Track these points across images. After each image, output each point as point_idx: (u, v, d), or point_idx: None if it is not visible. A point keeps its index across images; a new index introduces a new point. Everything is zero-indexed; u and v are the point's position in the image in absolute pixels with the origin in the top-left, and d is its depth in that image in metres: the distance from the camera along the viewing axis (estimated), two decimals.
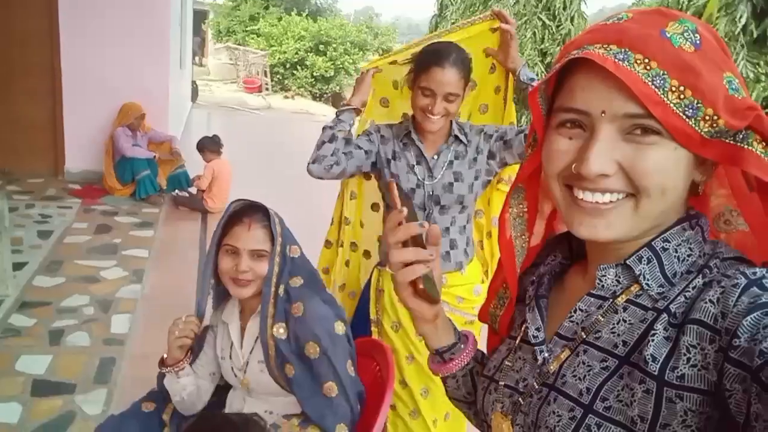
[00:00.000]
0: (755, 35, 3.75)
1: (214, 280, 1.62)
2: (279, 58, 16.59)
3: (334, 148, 1.93)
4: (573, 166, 0.62)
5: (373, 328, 2.08)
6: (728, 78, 0.58)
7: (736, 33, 3.66)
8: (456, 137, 1.91)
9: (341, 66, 16.65)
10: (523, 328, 0.77)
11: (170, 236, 4.91)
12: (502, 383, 0.75)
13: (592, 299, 0.68)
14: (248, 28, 19.58)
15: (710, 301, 0.56)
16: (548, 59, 6.10)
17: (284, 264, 1.55)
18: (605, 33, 0.60)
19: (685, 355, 0.55)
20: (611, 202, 0.62)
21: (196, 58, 15.80)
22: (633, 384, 0.58)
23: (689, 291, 0.60)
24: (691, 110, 0.57)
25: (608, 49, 0.58)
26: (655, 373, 0.56)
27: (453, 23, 7.62)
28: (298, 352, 1.51)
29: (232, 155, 5.86)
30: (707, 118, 0.57)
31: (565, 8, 6.12)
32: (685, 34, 0.57)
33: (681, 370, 0.55)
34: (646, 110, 0.57)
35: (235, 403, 1.68)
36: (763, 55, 3.90)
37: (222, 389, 1.74)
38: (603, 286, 0.67)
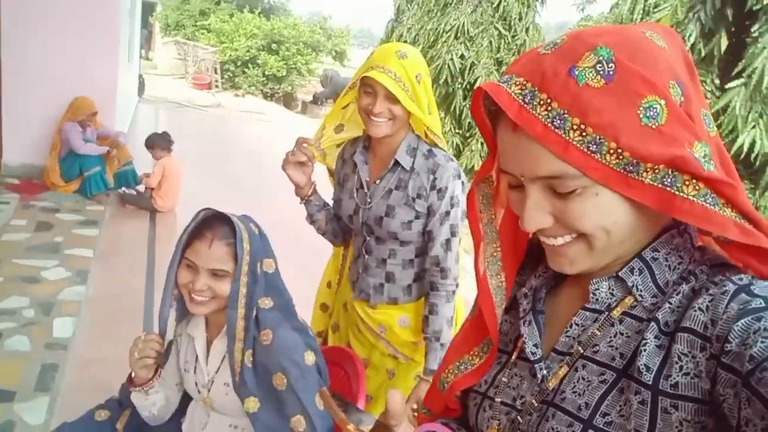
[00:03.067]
0: (703, 54, 3.93)
1: (177, 291, 1.53)
2: (230, 55, 16.26)
3: (330, 231, 1.95)
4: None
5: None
6: (647, 104, 0.56)
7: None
8: (396, 162, 1.71)
9: (293, 66, 16.46)
10: (518, 344, 0.76)
11: (116, 236, 4.72)
12: (498, 400, 0.74)
13: (588, 313, 0.68)
14: (198, 23, 19.13)
15: (699, 308, 0.57)
16: (503, 68, 6.21)
17: (253, 283, 1.44)
18: (529, 66, 0.61)
19: (677, 363, 0.56)
20: (566, 243, 0.64)
21: (143, 52, 15.27)
22: (630, 396, 0.58)
23: (675, 298, 0.61)
24: (594, 145, 0.57)
25: (524, 87, 0.59)
26: (649, 383, 0.57)
27: (409, 28, 7.67)
28: (264, 383, 1.43)
29: (181, 153, 5.69)
30: (611, 151, 0.57)
31: (520, 19, 6.26)
32: (598, 66, 0.56)
33: (674, 378, 0.56)
34: (553, 172, 0.59)
35: (197, 414, 1.61)
36: (710, 74, 4.10)
37: (185, 396, 1.67)
38: (597, 299, 0.68)
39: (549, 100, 0.58)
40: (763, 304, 0.53)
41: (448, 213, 1.70)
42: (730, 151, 4.17)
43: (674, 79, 0.58)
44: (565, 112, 0.57)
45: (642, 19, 4.33)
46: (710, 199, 0.57)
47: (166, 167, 5.21)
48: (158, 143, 5.26)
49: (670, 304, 0.61)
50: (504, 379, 0.75)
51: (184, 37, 18.97)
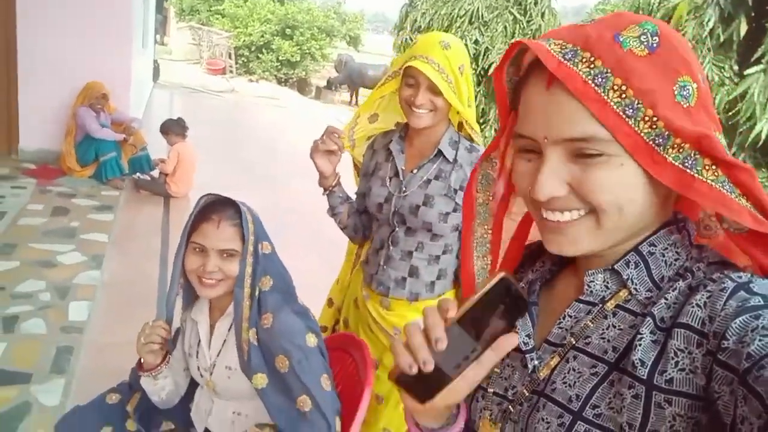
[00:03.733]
0: (722, 39, 3.86)
1: (183, 279, 1.55)
2: (244, 41, 16.25)
3: (351, 225, 1.91)
4: (529, 190, 0.63)
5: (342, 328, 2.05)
6: (682, 83, 0.58)
7: (704, 36, 3.76)
8: (441, 152, 1.70)
9: (308, 51, 16.42)
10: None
11: (131, 221, 4.77)
12: (491, 390, 0.74)
13: (581, 305, 0.68)
14: (212, 8, 19.11)
15: (697, 305, 0.57)
16: None
17: (256, 263, 1.47)
18: (569, 32, 0.61)
19: (673, 359, 0.56)
20: (573, 220, 0.63)
21: (158, 37, 15.32)
22: (622, 390, 0.58)
23: (671, 294, 0.61)
24: (631, 110, 0.57)
25: (564, 46, 0.59)
26: (644, 377, 0.57)
27: (423, 13, 7.60)
28: (269, 363, 1.46)
29: (195, 139, 5.72)
30: (647, 119, 0.57)
31: (536, 4, 6.17)
32: (642, 38, 0.58)
33: (669, 373, 0.56)
34: (584, 134, 0.58)
35: (202, 402, 1.63)
36: (728, 59, 4.02)
37: (193, 381, 1.70)
38: (592, 291, 0.68)
39: (592, 59, 0.58)
40: (762, 302, 0.53)
41: None
42: (748, 138, 4.10)
43: (701, 73, 0.60)
44: (608, 71, 0.57)
45: (660, 3, 4.26)
46: (727, 187, 0.57)
47: (180, 153, 5.25)
48: (173, 129, 5.29)
49: (666, 299, 0.60)
50: (496, 370, 0.75)
51: (199, 22, 18.97)
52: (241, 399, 1.56)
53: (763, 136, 3.95)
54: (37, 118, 5.43)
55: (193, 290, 1.56)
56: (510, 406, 0.71)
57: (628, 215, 0.61)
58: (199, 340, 1.57)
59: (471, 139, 1.76)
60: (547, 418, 0.64)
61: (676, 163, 0.57)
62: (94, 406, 1.67)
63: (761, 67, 3.89)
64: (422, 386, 0.63)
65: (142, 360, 1.57)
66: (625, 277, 0.64)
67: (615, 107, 0.57)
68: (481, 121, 6.09)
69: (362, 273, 1.94)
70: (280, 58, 16.03)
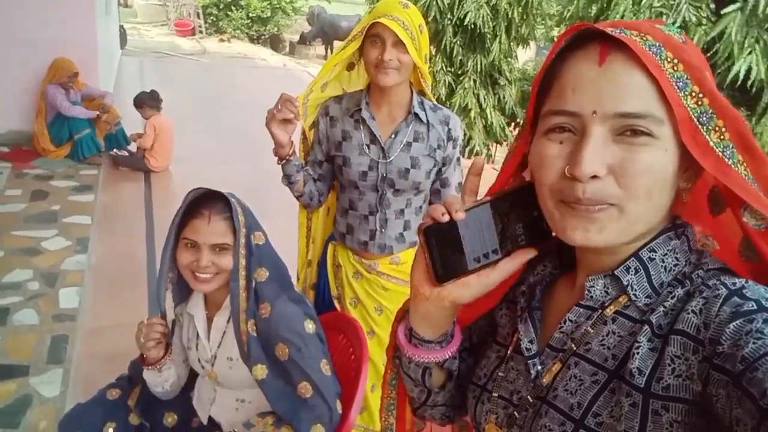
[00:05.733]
0: None
1: (173, 273, 1.55)
2: None
3: (307, 192, 1.92)
4: (566, 168, 0.61)
5: (336, 304, 2.07)
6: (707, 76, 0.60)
7: None
8: (416, 115, 1.81)
9: (278, 6, 15.87)
10: (515, 338, 0.77)
11: (113, 199, 4.71)
12: (496, 394, 0.76)
13: (581, 310, 0.69)
14: None
15: (693, 311, 0.58)
16: (493, 1, 5.99)
17: (250, 255, 1.48)
18: (605, 24, 0.62)
19: (669, 365, 0.57)
20: (601, 207, 0.61)
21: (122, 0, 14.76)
22: (621, 398, 0.59)
23: (669, 301, 0.61)
24: (681, 83, 0.58)
25: (644, 38, 0.59)
26: (641, 386, 0.58)
27: None
28: (268, 353, 1.48)
29: (171, 108, 5.60)
30: (693, 94, 0.58)
31: None
32: (673, 30, 0.61)
33: (666, 380, 0.57)
34: (640, 110, 0.58)
35: (204, 391, 1.66)
36: (705, 0, 3.99)
37: (192, 372, 1.72)
38: (592, 296, 0.68)
39: (642, 34, 0.60)
40: (755, 307, 0.53)
41: (459, 159, 1.92)
42: (726, 78, 4.10)
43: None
44: (660, 44, 0.59)
45: None
46: (755, 185, 0.60)
47: (157, 126, 5.14)
48: (147, 102, 5.16)
49: (664, 307, 0.61)
50: (501, 374, 0.77)
51: None
52: (244, 387, 1.59)
53: (742, 75, 3.94)
54: (4, 99, 5.25)
55: (186, 284, 1.56)
56: (515, 412, 0.72)
57: (653, 204, 0.61)
58: (197, 334, 1.59)
59: (423, 94, 1.88)
60: (549, 425, 0.65)
61: (717, 150, 0.59)
62: (95, 403, 1.69)
63: (738, 5, 3.84)
64: (441, 261, 0.67)
65: (144, 355, 1.59)
66: (625, 283, 0.65)
67: (669, 78, 0.58)
68: (459, 72, 6.00)
69: (345, 247, 1.96)
70: (251, 14, 15.50)
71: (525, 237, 0.69)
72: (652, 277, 0.64)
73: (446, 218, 0.65)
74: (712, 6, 4.08)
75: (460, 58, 6.08)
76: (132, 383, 1.71)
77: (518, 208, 0.68)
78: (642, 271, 0.64)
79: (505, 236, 0.68)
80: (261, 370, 1.48)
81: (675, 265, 0.64)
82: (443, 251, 0.66)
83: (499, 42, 5.89)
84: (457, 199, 0.67)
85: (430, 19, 5.83)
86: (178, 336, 1.66)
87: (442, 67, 6.19)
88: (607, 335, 0.65)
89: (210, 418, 1.64)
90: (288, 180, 1.87)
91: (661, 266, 0.64)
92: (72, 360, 2.71)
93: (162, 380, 1.60)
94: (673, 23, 3.77)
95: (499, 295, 0.79)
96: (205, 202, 1.47)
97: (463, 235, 0.66)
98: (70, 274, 3.41)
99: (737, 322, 0.53)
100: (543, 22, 6.74)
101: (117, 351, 2.22)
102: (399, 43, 1.66)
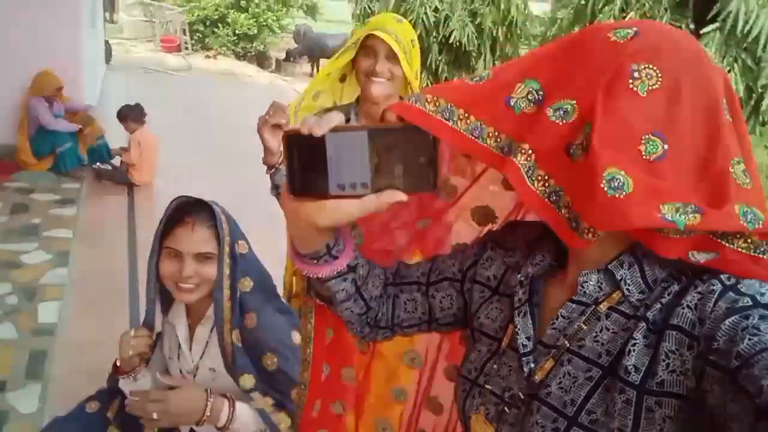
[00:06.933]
0: None
1: (158, 283, 1.53)
2: (198, 15, 15.69)
3: None
4: None
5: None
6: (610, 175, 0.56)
7: None
8: None
9: (264, 23, 15.95)
10: (508, 332, 0.76)
11: (95, 213, 4.65)
12: (488, 388, 0.75)
13: (574, 305, 0.68)
14: None
15: (688, 306, 0.57)
16: (478, 19, 6.09)
17: (234, 264, 1.46)
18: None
19: (664, 360, 0.57)
20: None
21: (107, 15, 14.72)
22: (614, 395, 0.59)
23: (665, 297, 0.61)
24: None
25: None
26: (636, 383, 0.58)
27: None
28: (255, 363, 1.46)
29: (155, 123, 5.57)
30: (540, 178, 0.60)
31: None
32: (530, 96, 0.61)
33: (660, 376, 0.57)
34: None
35: None
36: (685, 18, 4.07)
37: None
38: (585, 292, 0.67)
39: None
40: (751, 303, 0.53)
41: None
42: None
43: None
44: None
45: None
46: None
47: (141, 141, 5.10)
48: (130, 116, 5.13)
49: (660, 303, 0.61)
50: (494, 367, 0.75)
51: None
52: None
53: None
54: None
55: (168, 294, 1.54)
56: (506, 408, 0.71)
57: None
58: (179, 344, 1.56)
59: None
60: (541, 422, 0.65)
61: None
62: (74, 417, 1.66)
63: (716, 25, 3.95)
64: (301, 176, 0.63)
65: (118, 363, 1.56)
66: (618, 278, 0.64)
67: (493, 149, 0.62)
68: None
69: None
70: (237, 31, 15.56)
71: (403, 181, 0.62)
72: (646, 273, 0.64)
73: (305, 131, 0.61)
74: (692, 26, 4.18)
75: (445, 75, 6.16)
76: (111, 396, 1.68)
77: (402, 148, 0.62)
78: (636, 265, 0.64)
79: (381, 173, 0.62)
80: (248, 380, 1.46)
81: (670, 261, 0.63)
82: (305, 165, 0.63)
83: (484, 60, 5.98)
84: (331, 118, 0.62)
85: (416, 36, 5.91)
86: (159, 347, 1.63)
87: (427, 84, 6.26)
88: (600, 331, 0.64)
89: (191, 430, 1.61)
90: (276, 190, 1.86)
91: (656, 262, 0.63)
92: (50, 376, 2.66)
93: (138, 389, 1.57)
94: None
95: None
96: (188, 210, 1.45)
97: (330, 156, 0.61)
98: (50, 289, 3.36)
99: (733, 318, 0.53)
100: (527, 42, 6.85)
101: (97, 366, 2.17)
102: (392, 56, 1.71)
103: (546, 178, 0.59)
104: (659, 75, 0.57)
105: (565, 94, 0.59)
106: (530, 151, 0.59)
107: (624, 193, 0.53)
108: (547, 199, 0.59)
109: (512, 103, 0.61)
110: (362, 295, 0.83)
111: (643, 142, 0.56)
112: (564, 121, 0.58)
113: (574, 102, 0.58)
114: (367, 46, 1.74)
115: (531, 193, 0.59)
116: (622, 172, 0.54)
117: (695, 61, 0.59)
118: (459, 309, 0.87)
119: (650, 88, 0.57)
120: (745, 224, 0.55)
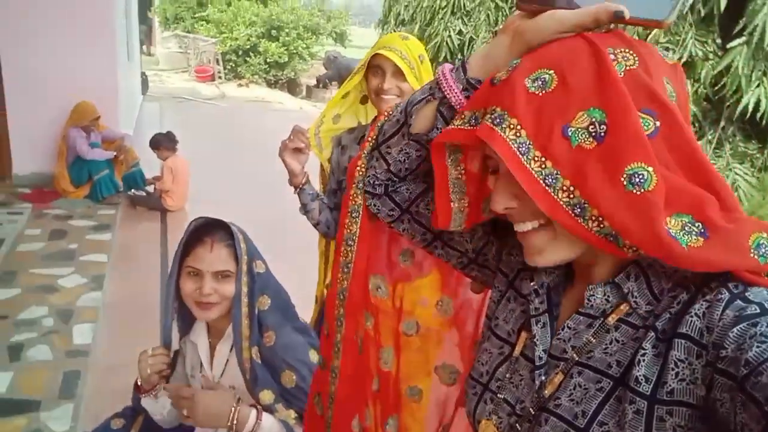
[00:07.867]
0: (703, 14, 3.86)
1: (177, 302, 1.57)
2: (230, 45, 16.17)
3: (323, 221, 1.95)
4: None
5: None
6: (632, 170, 0.56)
7: (684, 12, 3.77)
8: None
9: (295, 51, 16.34)
10: (521, 338, 0.76)
11: (129, 239, 4.79)
12: (501, 396, 0.75)
13: (581, 317, 0.69)
14: (197, 15, 19.00)
15: (696, 314, 0.57)
16: None
17: (252, 282, 1.50)
18: (515, 98, 0.61)
19: (673, 369, 0.57)
20: (532, 230, 0.66)
21: (144, 47, 15.27)
22: (625, 405, 0.59)
23: (674, 307, 0.61)
24: (579, 209, 0.58)
25: (518, 133, 0.60)
26: (647, 393, 0.58)
27: (406, 6, 7.58)
28: (276, 379, 1.48)
29: (188, 149, 5.73)
30: (593, 218, 0.58)
31: None
32: (590, 128, 0.58)
33: (670, 385, 0.56)
34: None
35: None
36: (711, 33, 4.02)
37: None
38: (592, 304, 0.68)
39: (543, 158, 0.61)
40: (758, 311, 0.53)
41: None
42: (735, 111, 4.10)
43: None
44: (558, 172, 0.61)
45: None
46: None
47: (173, 168, 5.26)
48: (163, 143, 5.29)
49: (670, 313, 0.61)
50: (507, 375, 0.76)
51: (184, 30, 18.88)
52: None
53: (751, 108, 3.95)
54: (28, 141, 5.43)
55: (190, 313, 1.58)
56: (518, 423, 0.71)
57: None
58: (201, 362, 1.60)
59: None
60: None
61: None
62: None
63: (743, 39, 3.89)
64: None
65: (139, 382, 1.60)
66: (625, 290, 0.65)
67: (565, 207, 0.60)
68: None
69: None
70: (268, 60, 15.96)
71: None
72: (652, 284, 0.64)
73: None
74: (718, 41, 4.13)
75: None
76: (135, 413, 1.72)
77: None
78: (642, 277, 0.64)
79: None
80: (268, 395, 1.48)
81: (675, 271, 0.63)
82: None
83: None
84: None
85: (440, 59, 5.96)
86: (182, 365, 1.67)
87: None
88: (610, 343, 0.65)
89: None
90: (304, 209, 1.94)
91: (661, 272, 0.64)
92: (83, 396, 2.72)
93: (159, 407, 1.61)
94: (680, 59, 3.81)
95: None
96: (207, 230, 1.50)
97: None
98: (84, 311, 3.45)
99: (741, 326, 0.53)
100: None
101: (128, 387, 2.20)
102: (398, 73, 1.75)
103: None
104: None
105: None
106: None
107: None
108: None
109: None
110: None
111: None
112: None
113: None
114: (375, 66, 1.79)
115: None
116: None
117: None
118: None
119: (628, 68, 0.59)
120: (756, 258, 0.56)
